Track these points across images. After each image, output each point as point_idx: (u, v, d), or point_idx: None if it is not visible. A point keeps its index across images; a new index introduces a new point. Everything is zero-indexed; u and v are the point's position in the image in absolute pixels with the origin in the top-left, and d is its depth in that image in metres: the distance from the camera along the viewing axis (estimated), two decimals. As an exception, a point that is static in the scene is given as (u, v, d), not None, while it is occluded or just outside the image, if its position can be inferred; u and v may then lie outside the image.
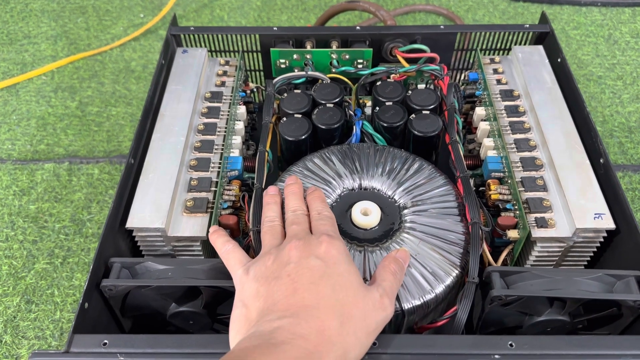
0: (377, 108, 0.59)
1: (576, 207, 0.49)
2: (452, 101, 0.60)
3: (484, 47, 0.70)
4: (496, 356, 0.40)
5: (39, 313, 0.63)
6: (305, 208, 0.47)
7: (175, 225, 0.49)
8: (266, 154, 0.55)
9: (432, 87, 0.64)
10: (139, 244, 0.51)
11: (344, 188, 0.52)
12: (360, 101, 0.65)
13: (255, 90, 0.71)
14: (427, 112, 0.59)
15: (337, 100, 0.60)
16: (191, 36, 0.69)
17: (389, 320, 0.40)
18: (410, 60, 0.65)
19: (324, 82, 0.63)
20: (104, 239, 0.47)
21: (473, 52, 0.71)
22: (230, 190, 0.53)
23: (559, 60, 0.64)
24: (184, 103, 0.59)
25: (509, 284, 0.46)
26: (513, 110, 0.58)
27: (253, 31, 0.68)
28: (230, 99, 0.61)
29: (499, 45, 0.70)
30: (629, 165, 0.77)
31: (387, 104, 0.59)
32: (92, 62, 0.95)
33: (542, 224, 0.48)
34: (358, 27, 0.68)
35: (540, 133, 0.56)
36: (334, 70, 0.66)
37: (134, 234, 0.50)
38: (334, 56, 0.67)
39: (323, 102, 0.60)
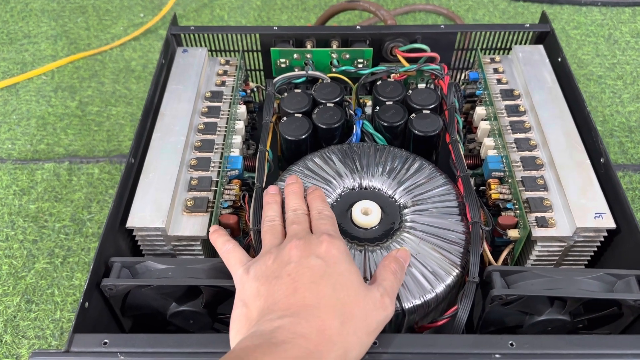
0: (378, 107, 0.59)
1: (577, 207, 0.49)
2: (453, 101, 0.59)
3: (484, 46, 0.70)
4: (497, 355, 0.40)
5: (39, 313, 0.63)
6: (305, 207, 0.47)
7: (175, 224, 0.49)
8: (266, 153, 0.55)
9: (432, 86, 0.64)
10: (139, 243, 0.51)
11: (344, 187, 0.52)
12: (361, 101, 0.65)
13: (255, 89, 0.71)
14: (428, 111, 0.58)
15: (337, 99, 0.60)
16: (191, 36, 0.69)
17: (390, 319, 0.40)
18: (410, 60, 0.65)
19: (324, 81, 0.63)
20: (104, 238, 0.47)
21: (473, 52, 0.71)
22: (230, 189, 0.53)
23: (559, 59, 0.64)
24: (184, 102, 0.59)
25: (509, 283, 0.46)
26: (513, 110, 0.58)
27: (253, 31, 0.68)
28: (231, 99, 0.61)
29: (499, 44, 0.70)
30: (629, 165, 0.77)
31: (387, 103, 0.59)
32: (92, 62, 0.95)
33: (542, 223, 0.48)
34: (358, 27, 0.68)
35: (540, 132, 0.56)
36: (334, 70, 0.66)
37: (134, 234, 0.50)
38: (334, 56, 0.67)
39: (323, 101, 0.60)
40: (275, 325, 0.36)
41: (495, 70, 0.63)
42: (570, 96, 0.60)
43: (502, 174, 0.55)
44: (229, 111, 0.59)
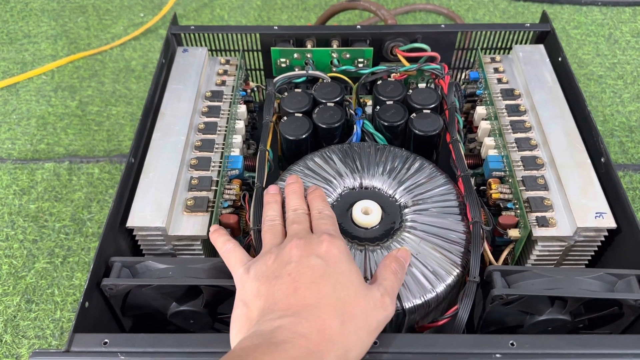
0: (378, 107, 0.59)
1: (577, 206, 0.49)
2: (453, 100, 0.59)
3: (484, 46, 0.70)
4: (497, 355, 0.40)
5: (39, 312, 0.63)
6: (306, 207, 0.47)
7: (175, 224, 0.49)
8: (267, 153, 0.55)
9: (432, 86, 0.64)
10: (139, 243, 0.51)
11: (344, 187, 0.52)
12: (361, 100, 0.65)
13: (255, 89, 0.71)
14: (428, 111, 0.58)
15: (337, 99, 0.60)
16: (191, 35, 0.69)
17: (390, 319, 0.40)
18: (410, 60, 0.65)
19: (325, 81, 0.63)
20: (105, 238, 0.47)
21: (474, 51, 0.71)
22: (230, 189, 0.53)
23: (559, 59, 0.64)
24: (184, 102, 0.59)
25: (510, 283, 0.46)
26: (514, 109, 0.58)
27: (253, 30, 0.68)
28: (231, 98, 0.61)
29: (499, 44, 0.70)
30: (629, 165, 0.77)
31: (387, 103, 0.59)
32: (92, 62, 0.95)
33: (543, 223, 0.48)
34: (359, 26, 0.68)
35: (541, 132, 0.56)
36: (334, 70, 0.66)
37: (134, 233, 0.50)
38: (334, 55, 0.67)
39: (324, 101, 0.60)
40: (276, 325, 0.35)
41: (496, 70, 0.63)
42: (571, 96, 0.60)
43: (502, 173, 0.55)
44: (229, 111, 0.59)
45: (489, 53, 0.71)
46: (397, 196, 0.51)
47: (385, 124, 0.58)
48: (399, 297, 0.44)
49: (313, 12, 1.05)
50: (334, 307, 0.37)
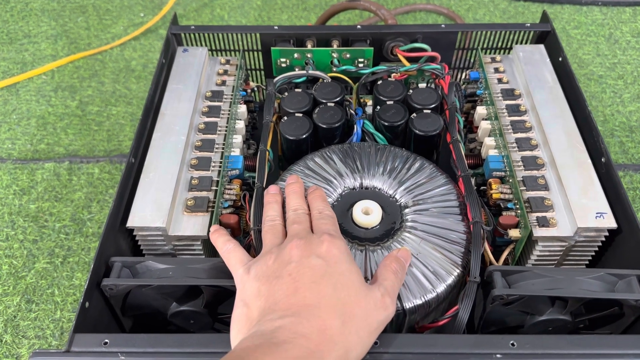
0: (378, 107, 0.59)
1: (578, 206, 0.49)
2: (453, 100, 0.59)
3: (485, 46, 0.70)
4: (498, 355, 0.40)
5: (39, 312, 0.63)
6: (306, 207, 0.47)
7: (176, 224, 0.49)
8: (267, 153, 0.55)
9: (433, 86, 0.64)
10: (139, 243, 0.51)
11: (345, 187, 0.52)
12: (361, 100, 0.65)
13: (255, 89, 0.71)
14: (428, 111, 0.58)
15: (338, 99, 0.60)
16: (192, 35, 0.69)
17: (391, 319, 0.40)
18: (411, 59, 0.65)
19: (325, 81, 0.62)
20: (105, 238, 0.47)
21: (474, 51, 0.71)
22: (231, 189, 0.53)
23: (560, 59, 0.64)
24: (184, 102, 0.59)
25: (510, 283, 0.46)
26: (514, 109, 0.58)
27: (254, 30, 0.68)
28: (231, 98, 0.61)
29: (500, 44, 0.70)
30: (629, 165, 0.77)
31: (388, 103, 0.59)
32: (93, 62, 0.95)
33: (543, 223, 0.48)
34: (359, 26, 0.68)
35: (541, 132, 0.56)
36: (334, 69, 0.66)
37: (134, 233, 0.50)
38: (334, 55, 0.67)
39: (324, 101, 0.60)
40: (276, 325, 0.35)
41: (496, 70, 0.63)
42: (571, 96, 0.60)
43: (503, 173, 0.55)
44: (229, 111, 0.59)
45: (490, 53, 0.71)
46: (397, 196, 0.51)
47: (386, 124, 0.58)
48: (399, 297, 0.44)
49: (313, 12, 1.05)
50: (335, 307, 0.37)
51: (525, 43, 0.70)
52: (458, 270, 0.46)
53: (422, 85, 0.66)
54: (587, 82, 0.89)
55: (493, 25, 0.69)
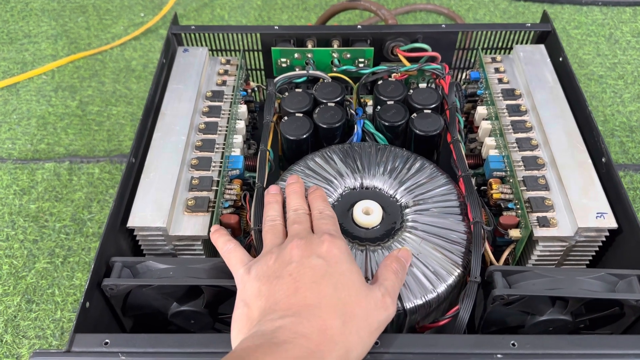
0: (379, 107, 0.59)
1: (578, 207, 0.49)
2: (454, 100, 0.59)
3: (485, 46, 0.70)
4: (498, 355, 0.40)
5: (39, 312, 0.63)
6: (306, 207, 0.47)
7: (176, 224, 0.49)
8: (267, 153, 0.55)
9: (433, 86, 0.64)
10: (140, 243, 0.51)
11: (345, 187, 0.52)
12: (362, 100, 0.65)
13: (256, 89, 0.71)
14: (429, 111, 0.58)
15: (338, 99, 0.60)
16: (192, 35, 0.69)
17: (391, 319, 0.40)
18: (411, 59, 0.65)
19: (325, 81, 0.62)
20: (105, 238, 0.47)
21: (474, 51, 0.71)
22: (231, 189, 0.53)
23: (560, 59, 0.64)
24: (184, 102, 0.59)
25: (511, 283, 0.46)
26: (515, 110, 0.58)
27: (254, 30, 0.68)
28: (231, 98, 0.61)
29: (500, 44, 0.70)
30: (630, 165, 0.77)
31: (388, 103, 0.59)
32: (93, 62, 0.95)
33: (544, 223, 0.48)
34: (359, 26, 0.68)
35: (542, 132, 0.56)
36: (335, 70, 0.66)
37: (135, 233, 0.50)
38: (335, 55, 0.67)
39: (324, 101, 0.60)
40: (277, 325, 0.35)
41: (497, 70, 0.63)
42: (572, 96, 0.60)
43: (503, 173, 0.55)
44: (229, 111, 0.59)
45: (490, 53, 0.71)
46: (398, 196, 0.51)
47: (386, 124, 0.58)
48: (400, 297, 0.44)
49: (313, 12, 1.05)
50: (335, 307, 0.37)
51: (526, 43, 0.70)
52: (459, 270, 0.46)
53: (423, 85, 0.66)
54: (587, 82, 0.89)
55: (493, 25, 0.69)
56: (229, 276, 0.43)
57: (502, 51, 0.71)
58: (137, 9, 1.06)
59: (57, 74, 0.93)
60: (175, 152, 0.54)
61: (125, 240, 0.51)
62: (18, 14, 1.05)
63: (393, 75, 0.63)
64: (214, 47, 0.70)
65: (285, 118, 0.58)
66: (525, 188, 0.51)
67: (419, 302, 0.44)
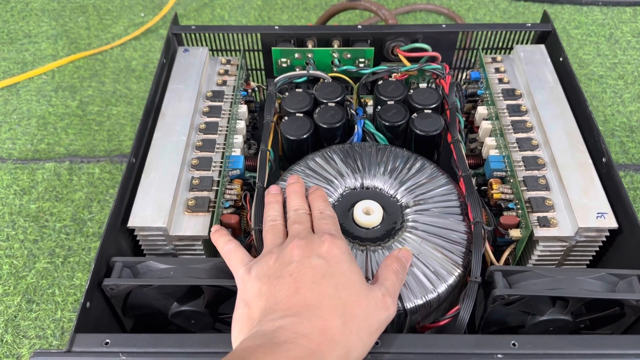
0: (379, 107, 0.59)
1: (578, 207, 0.49)
2: (454, 100, 0.59)
3: (485, 46, 0.70)
4: (499, 355, 0.40)
5: (39, 312, 0.63)
6: (307, 207, 0.47)
7: (176, 224, 0.49)
8: (268, 153, 0.55)
9: (433, 86, 0.64)
10: (140, 243, 0.51)
11: (345, 187, 0.52)
12: (362, 100, 0.65)
13: (256, 89, 0.71)
14: (429, 111, 0.58)
15: (338, 99, 0.60)
16: (192, 35, 0.69)
17: (392, 319, 0.40)
18: (411, 60, 0.65)
19: (326, 81, 0.62)
20: (106, 238, 0.47)
21: (475, 51, 0.71)
22: (231, 189, 0.53)
23: (561, 59, 0.64)
24: (185, 102, 0.59)
25: (511, 283, 0.46)
26: (515, 110, 0.58)
27: (254, 30, 0.68)
28: (232, 98, 0.61)
29: (500, 44, 0.70)
30: (630, 165, 0.77)
31: (388, 103, 0.59)
32: (93, 62, 0.95)
33: (544, 223, 0.48)
34: (359, 26, 0.68)
35: (542, 132, 0.56)
36: (335, 70, 0.66)
37: (135, 233, 0.50)
38: (335, 55, 0.67)
39: (324, 101, 0.60)
40: (277, 325, 0.35)
41: (497, 70, 0.63)
42: (572, 96, 0.60)
43: (503, 173, 0.55)
44: (230, 111, 0.59)
45: (490, 53, 0.71)
46: (398, 196, 0.51)
47: (387, 124, 0.58)
48: (400, 297, 0.44)
49: (313, 12, 1.05)
50: (336, 307, 0.37)
51: (526, 43, 0.70)
52: (459, 270, 0.46)
53: (423, 85, 0.66)
54: (587, 82, 0.89)
55: (494, 25, 0.69)
56: (230, 276, 0.43)
57: (503, 51, 0.71)
58: (137, 9, 1.06)
59: (57, 74, 0.93)
60: (175, 152, 0.54)
61: (126, 240, 0.51)
62: (18, 14, 1.05)
63: (393, 75, 0.63)
64: (214, 47, 0.70)
65: (286, 118, 0.58)
66: (525, 188, 0.51)
67: (420, 302, 0.44)
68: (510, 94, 0.60)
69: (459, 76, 0.74)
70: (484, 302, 0.46)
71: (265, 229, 0.45)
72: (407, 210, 0.50)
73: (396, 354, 0.40)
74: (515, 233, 0.50)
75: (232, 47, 0.70)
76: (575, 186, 0.50)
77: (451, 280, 0.45)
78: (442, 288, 0.45)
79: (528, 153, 0.54)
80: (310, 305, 0.37)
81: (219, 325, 0.49)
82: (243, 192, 0.54)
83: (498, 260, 0.50)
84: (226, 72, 0.64)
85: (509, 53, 0.71)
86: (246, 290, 0.40)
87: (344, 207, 0.51)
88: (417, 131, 0.57)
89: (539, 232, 0.48)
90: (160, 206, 0.50)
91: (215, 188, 0.52)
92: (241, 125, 0.60)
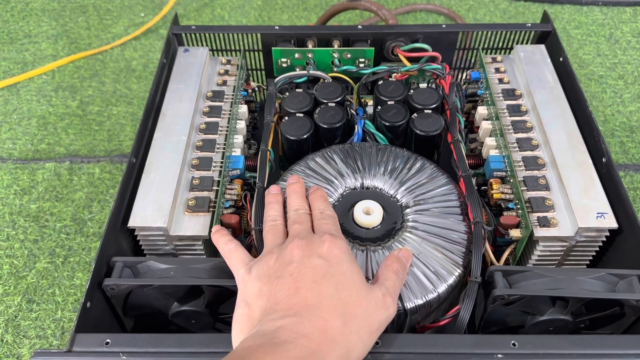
0: (379, 107, 0.59)
1: (578, 207, 0.49)
2: (454, 100, 0.59)
3: (485, 46, 0.70)
4: (499, 355, 0.40)
5: (40, 312, 0.63)
6: (307, 207, 0.47)
7: (177, 224, 0.49)
8: (268, 153, 0.55)
9: (434, 86, 0.64)
10: (140, 243, 0.51)
11: (346, 187, 0.52)
12: (362, 100, 0.65)
13: (256, 89, 0.71)
14: (429, 111, 0.58)
15: (338, 99, 0.60)
16: (192, 35, 0.69)
17: (392, 319, 0.40)
18: (412, 60, 0.65)
19: (326, 81, 0.63)
20: (106, 238, 0.47)
21: (475, 51, 0.71)
22: (232, 189, 0.53)
23: (561, 59, 0.64)
24: (185, 102, 0.59)
25: (511, 283, 0.46)
26: (515, 110, 0.58)
27: (254, 30, 0.68)
28: (232, 98, 0.61)
29: (500, 44, 0.70)
30: (630, 165, 0.77)
31: (389, 103, 0.59)
32: (93, 62, 0.95)
33: (544, 223, 0.48)
34: (360, 26, 0.68)
35: (542, 132, 0.56)
36: (335, 70, 0.66)
37: (135, 233, 0.50)
38: (335, 55, 0.67)
39: (325, 101, 0.60)
40: (278, 325, 0.35)
41: (497, 70, 0.63)
42: (572, 96, 0.60)
43: (503, 173, 0.55)
44: (230, 111, 0.59)
45: (490, 53, 0.71)
46: (398, 196, 0.51)
47: (387, 124, 0.58)
48: (400, 297, 0.44)
49: (314, 12, 1.05)
50: (336, 307, 0.37)
51: (526, 43, 0.70)
52: (459, 270, 0.46)
53: (423, 85, 0.66)
54: (587, 82, 0.89)
55: (494, 26, 0.69)
56: (230, 276, 0.43)
57: (503, 51, 0.71)
58: (138, 9, 1.06)
59: (57, 74, 0.93)
60: (175, 152, 0.54)
61: (126, 240, 0.51)
62: (18, 14, 1.05)
63: (393, 75, 0.63)
64: (214, 47, 0.70)
65: (286, 118, 0.58)
66: (525, 188, 0.51)
67: (420, 302, 0.44)
68: (510, 94, 0.60)
69: (459, 76, 0.74)
70: (484, 302, 0.46)
71: (266, 229, 0.45)
72: (407, 210, 0.50)
73: (396, 353, 0.40)
74: (515, 233, 0.50)
75: (232, 47, 0.70)
76: (575, 186, 0.50)
77: (451, 280, 0.46)
78: (442, 288, 0.45)
79: (528, 153, 0.54)
80: (310, 305, 0.37)
81: (219, 325, 0.49)
82: (243, 192, 0.54)
83: (498, 260, 0.50)
84: (226, 72, 0.64)
85: (509, 53, 0.71)
86: (246, 290, 0.40)
87: (344, 207, 0.51)
88: (417, 131, 0.57)
89: (539, 232, 0.48)
90: (161, 206, 0.50)
91: (215, 188, 0.52)
92: (241, 125, 0.61)
